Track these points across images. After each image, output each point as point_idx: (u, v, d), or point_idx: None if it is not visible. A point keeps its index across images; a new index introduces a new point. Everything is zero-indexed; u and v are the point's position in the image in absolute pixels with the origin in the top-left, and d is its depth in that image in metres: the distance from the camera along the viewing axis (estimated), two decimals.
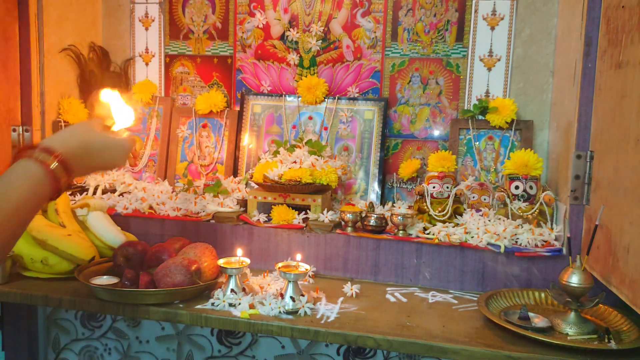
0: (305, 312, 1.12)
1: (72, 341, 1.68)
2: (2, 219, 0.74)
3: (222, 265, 1.19)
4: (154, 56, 1.83)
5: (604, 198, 1.08)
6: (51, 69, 1.59)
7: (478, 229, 1.29)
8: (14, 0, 1.48)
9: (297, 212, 1.43)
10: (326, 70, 1.69)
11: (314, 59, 1.70)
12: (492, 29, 1.57)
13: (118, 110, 1.07)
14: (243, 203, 1.53)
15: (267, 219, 1.44)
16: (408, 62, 1.64)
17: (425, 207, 1.41)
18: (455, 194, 1.40)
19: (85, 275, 1.22)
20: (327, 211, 1.42)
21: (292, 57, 1.71)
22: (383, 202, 1.61)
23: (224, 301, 1.15)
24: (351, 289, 1.25)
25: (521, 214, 1.35)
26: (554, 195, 1.35)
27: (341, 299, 1.22)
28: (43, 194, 0.81)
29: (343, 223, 1.39)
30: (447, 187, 1.41)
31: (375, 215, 1.37)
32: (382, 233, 1.36)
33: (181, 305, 1.15)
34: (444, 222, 1.38)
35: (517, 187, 1.37)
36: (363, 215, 1.39)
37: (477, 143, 1.56)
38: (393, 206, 1.53)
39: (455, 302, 1.23)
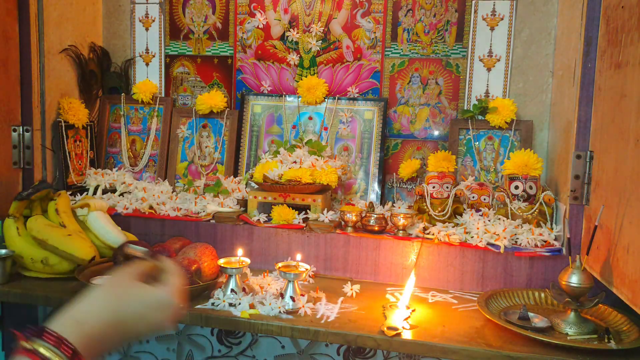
0: (305, 312, 1.12)
1: None
2: None
3: (222, 265, 1.19)
4: (154, 56, 1.83)
5: (604, 198, 1.08)
6: (51, 69, 1.59)
7: (478, 229, 1.29)
8: (14, 0, 1.48)
9: (297, 212, 1.43)
10: (326, 70, 1.69)
11: (314, 59, 1.70)
12: (492, 29, 1.57)
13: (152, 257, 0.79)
14: (243, 203, 1.53)
15: (267, 219, 1.44)
16: (408, 62, 1.64)
17: (425, 207, 1.41)
18: (455, 194, 1.40)
19: (85, 275, 1.22)
20: (327, 211, 1.42)
21: (292, 58, 1.71)
22: (383, 202, 1.61)
23: (224, 301, 1.15)
24: (351, 289, 1.25)
25: (521, 214, 1.35)
26: (554, 195, 1.35)
27: (341, 298, 1.22)
28: None
29: (343, 223, 1.39)
30: (447, 187, 1.41)
31: (375, 215, 1.37)
32: (382, 233, 1.36)
33: (181, 305, 1.14)
34: (443, 222, 1.38)
35: (516, 187, 1.37)
36: (363, 215, 1.39)
37: (477, 143, 1.56)
38: (393, 206, 1.53)
39: (455, 302, 1.23)
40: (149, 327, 0.68)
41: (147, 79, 1.81)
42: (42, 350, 0.56)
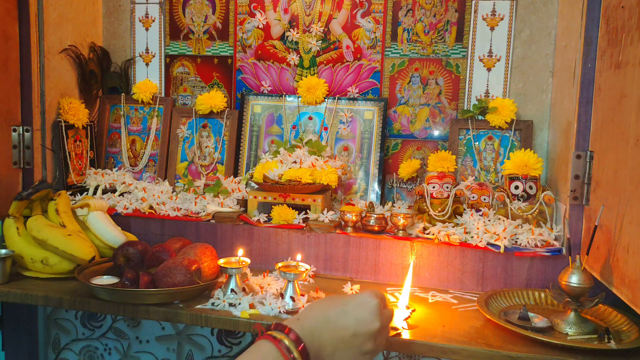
0: None
1: (72, 341, 1.68)
2: None
3: (222, 265, 1.19)
4: (154, 56, 1.83)
5: (604, 198, 1.08)
6: (51, 69, 1.59)
7: (478, 229, 1.29)
8: (14, 0, 1.48)
9: (297, 212, 1.43)
10: (326, 70, 1.69)
11: (314, 59, 1.70)
12: (492, 29, 1.57)
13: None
14: (243, 203, 1.53)
15: (267, 219, 1.44)
16: (408, 62, 1.64)
17: (425, 207, 1.41)
18: (455, 194, 1.40)
19: (85, 275, 1.22)
20: (327, 211, 1.42)
21: (292, 58, 1.71)
22: (383, 202, 1.61)
23: (224, 301, 1.15)
24: (351, 289, 1.25)
25: (521, 214, 1.35)
26: (554, 195, 1.35)
27: None
28: None
29: (343, 223, 1.39)
30: (447, 187, 1.41)
31: (375, 215, 1.37)
32: (382, 233, 1.36)
33: (181, 305, 1.15)
34: (443, 222, 1.38)
35: (516, 187, 1.37)
36: (363, 215, 1.39)
37: (477, 143, 1.56)
38: (393, 206, 1.53)
39: (455, 302, 1.23)
40: (357, 324, 0.80)
41: (147, 79, 1.81)
42: (275, 334, 0.77)
